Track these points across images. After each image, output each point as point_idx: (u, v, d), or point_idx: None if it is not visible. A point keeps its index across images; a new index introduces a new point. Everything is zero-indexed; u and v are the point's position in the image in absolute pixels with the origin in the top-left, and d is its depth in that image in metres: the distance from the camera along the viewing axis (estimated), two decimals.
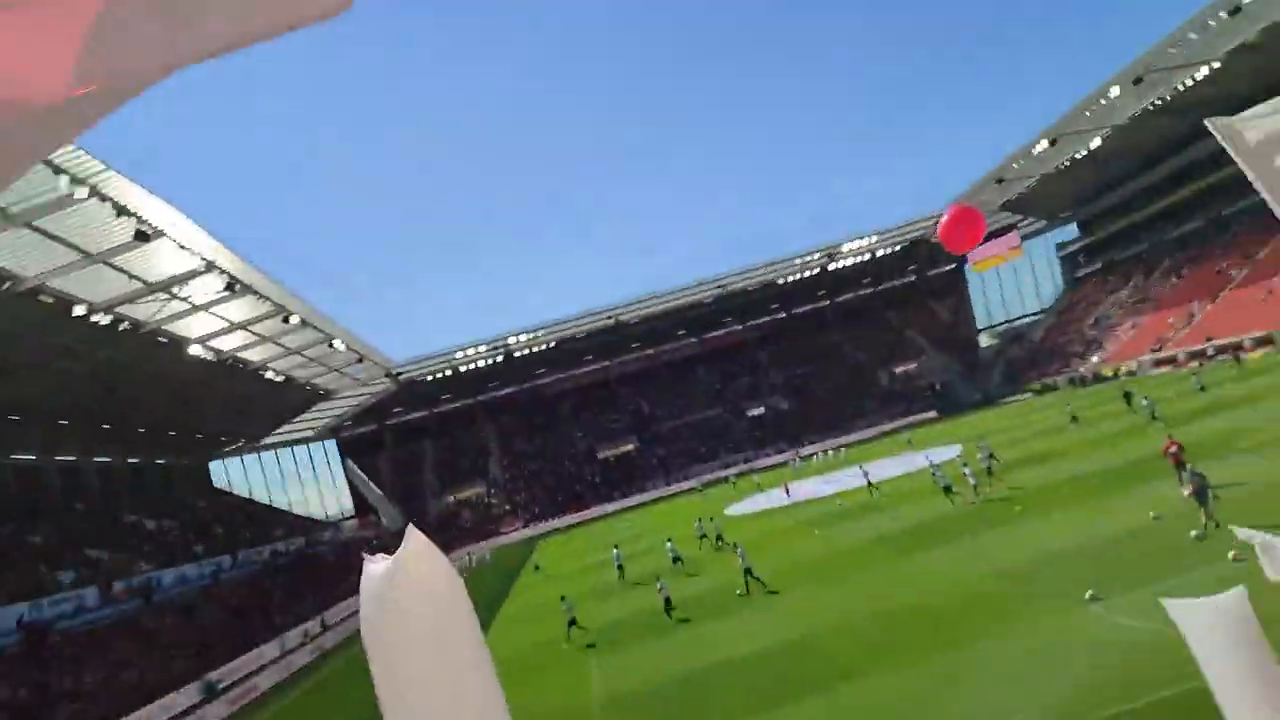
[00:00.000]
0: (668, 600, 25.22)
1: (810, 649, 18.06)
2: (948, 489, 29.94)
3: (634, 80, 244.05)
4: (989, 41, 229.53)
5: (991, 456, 31.92)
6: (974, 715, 12.40)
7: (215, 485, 74.74)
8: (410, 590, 1.78)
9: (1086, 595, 15.79)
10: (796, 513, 39.15)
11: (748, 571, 25.14)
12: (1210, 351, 54.74)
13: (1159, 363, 61.23)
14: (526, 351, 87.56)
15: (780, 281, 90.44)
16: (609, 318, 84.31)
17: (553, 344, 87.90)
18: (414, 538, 1.89)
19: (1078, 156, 68.18)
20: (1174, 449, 22.03)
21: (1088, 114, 59.01)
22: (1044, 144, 62.77)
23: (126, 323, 36.59)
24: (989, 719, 12.10)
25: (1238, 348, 52.74)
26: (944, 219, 7.48)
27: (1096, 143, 65.26)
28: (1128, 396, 40.83)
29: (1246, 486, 20.32)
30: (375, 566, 1.85)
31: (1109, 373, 66.64)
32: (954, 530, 25.48)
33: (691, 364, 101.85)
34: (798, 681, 16.16)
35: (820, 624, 19.69)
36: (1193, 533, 17.48)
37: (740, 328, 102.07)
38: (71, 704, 28.78)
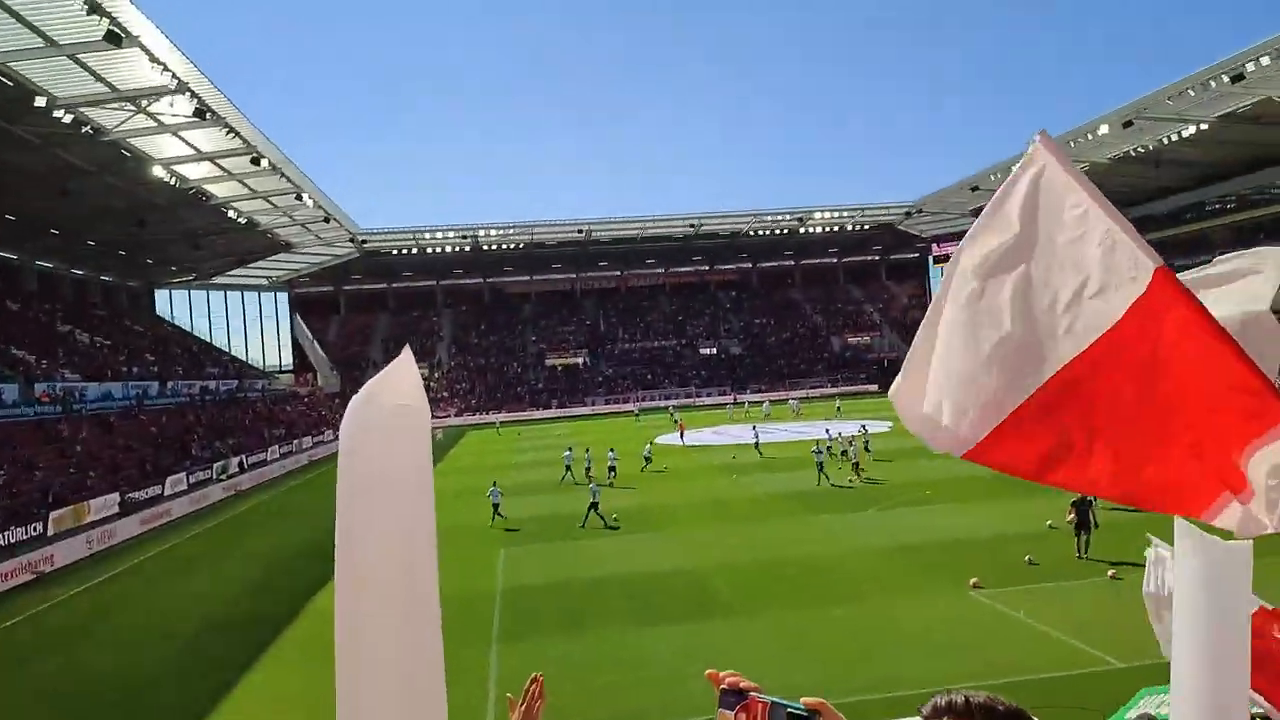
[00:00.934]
0: (595, 505, 26.12)
1: (700, 579, 18.91)
2: (820, 466, 30.38)
3: None
4: (1003, 53, 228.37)
5: (867, 444, 33.63)
6: (838, 663, 13.25)
7: (157, 312, 73.48)
8: (390, 403, 1.76)
9: (971, 581, 16.76)
10: (716, 454, 40.14)
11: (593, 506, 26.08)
12: None
13: None
14: (495, 247, 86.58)
15: (751, 233, 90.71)
16: (580, 230, 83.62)
17: (522, 245, 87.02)
18: (406, 356, 1.83)
19: None
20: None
21: (1072, 144, 59.92)
22: None
23: (89, 127, 35.27)
24: (846, 668, 12.96)
25: None
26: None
27: None
28: None
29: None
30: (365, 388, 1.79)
31: None
32: (863, 500, 26.51)
33: (654, 293, 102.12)
34: (681, 606, 16.98)
35: (714, 559, 20.59)
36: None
37: (707, 268, 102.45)
38: None
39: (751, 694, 1.36)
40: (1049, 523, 21.21)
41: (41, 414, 37.83)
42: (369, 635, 1.69)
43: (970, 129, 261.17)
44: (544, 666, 14.14)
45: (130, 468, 37.85)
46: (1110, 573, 16.72)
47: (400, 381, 1.79)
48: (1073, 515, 18.42)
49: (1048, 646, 13.42)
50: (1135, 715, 9.51)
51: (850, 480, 30.17)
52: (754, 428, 44.20)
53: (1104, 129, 55.18)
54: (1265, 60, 43.26)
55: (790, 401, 67.84)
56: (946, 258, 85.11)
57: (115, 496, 33.21)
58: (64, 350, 46.95)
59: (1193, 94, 49.23)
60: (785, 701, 1.34)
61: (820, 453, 31.03)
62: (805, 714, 1.30)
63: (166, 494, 36.89)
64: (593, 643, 15.20)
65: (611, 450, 36.09)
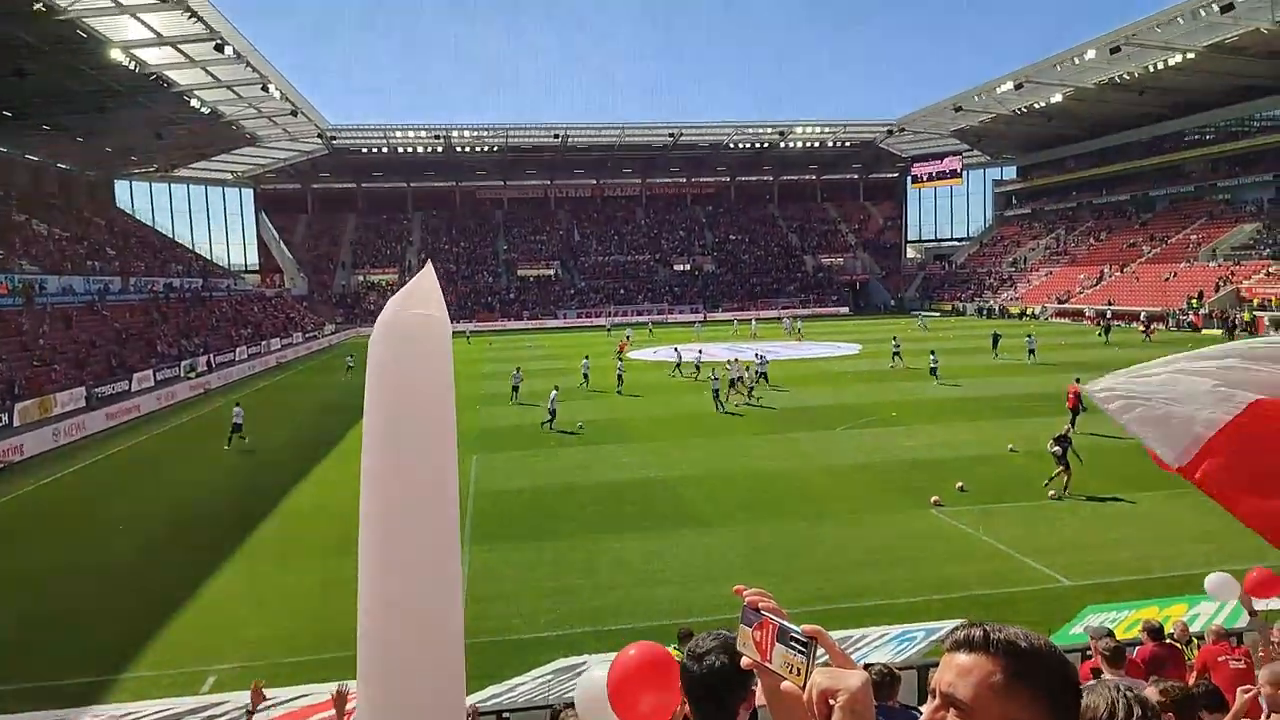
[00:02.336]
0: (554, 413, 26.93)
1: (671, 489, 19.28)
2: (715, 393, 29.96)
3: None
4: None
5: (762, 371, 33.67)
6: (803, 574, 13.70)
7: (117, 205, 71.27)
8: (414, 312, 1.86)
9: (932, 499, 17.25)
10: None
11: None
12: (1109, 314, 57.46)
13: (1061, 313, 64.18)
14: (468, 149, 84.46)
15: (731, 146, 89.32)
16: (556, 135, 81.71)
17: (496, 148, 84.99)
18: (428, 270, 1.91)
19: (1037, 106, 69.09)
20: (1074, 393, 23.32)
21: (1057, 68, 59.38)
22: (1009, 85, 63.48)
23: (41, 3, 33.44)
24: (810, 579, 13.41)
25: (1134, 316, 55.67)
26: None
27: (1058, 98, 66.15)
28: (995, 339, 41.60)
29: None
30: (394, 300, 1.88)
31: (1015, 310, 69.55)
32: (832, 419, 26.97)
33: (631, 204, 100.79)
34: (650, 514, 17.35)
35: (685, 471, 20.94)
36: (1050, 493, 17.69)
37: (685, 181, 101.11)
38: None
39: (765, 614, 1.41)
40: (1010, 446, 21.75)
41: (1, 306, 36.98)
42: (394, 535, 1.77)
43: (956, 49, 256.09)
44: (512, 569, 14.53)
45: (95, 363, 37.33)
46: (1050, 493, 17.36)
47: (424, 294, 1.89)
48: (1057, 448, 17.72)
49: (1002, 563, 13.94)
50: (1081, 629, 10.00)
51: (737, 406, 29.89)
52: (677, 349, 42.60)
53: (1090, 54, 54.60)
54: None
55: (785, 321, 64.52)
56: (924, 178, 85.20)
57: (81, 390, 32.87)
58: (21, 241, 45.60)
59: (1181, 22, 48.79)
60: (791, 626, 1.38)
61: (716, 379, 30.39)
62: (804, 640, 1.35)
63: (134, 390, 36.54)
64: (562, 547, 15.52)
65: (585, 358, 37.32)
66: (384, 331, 1.85)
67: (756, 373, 33.28)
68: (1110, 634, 6.14)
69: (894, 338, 41.29)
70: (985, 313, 71.80)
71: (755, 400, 31.13)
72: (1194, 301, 53.78)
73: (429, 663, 1.74)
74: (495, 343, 62.39)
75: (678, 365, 39.58)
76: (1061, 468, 17.52)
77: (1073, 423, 22.15)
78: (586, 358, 37.00)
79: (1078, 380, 23.84)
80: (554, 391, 27.89)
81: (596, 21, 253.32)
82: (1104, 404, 3.33)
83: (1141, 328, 49.71)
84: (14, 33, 35.52)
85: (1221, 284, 54.69)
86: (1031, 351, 38.49)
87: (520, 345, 58.76)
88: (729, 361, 33.89)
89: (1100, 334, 47.69)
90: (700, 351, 41.86)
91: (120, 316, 45.33)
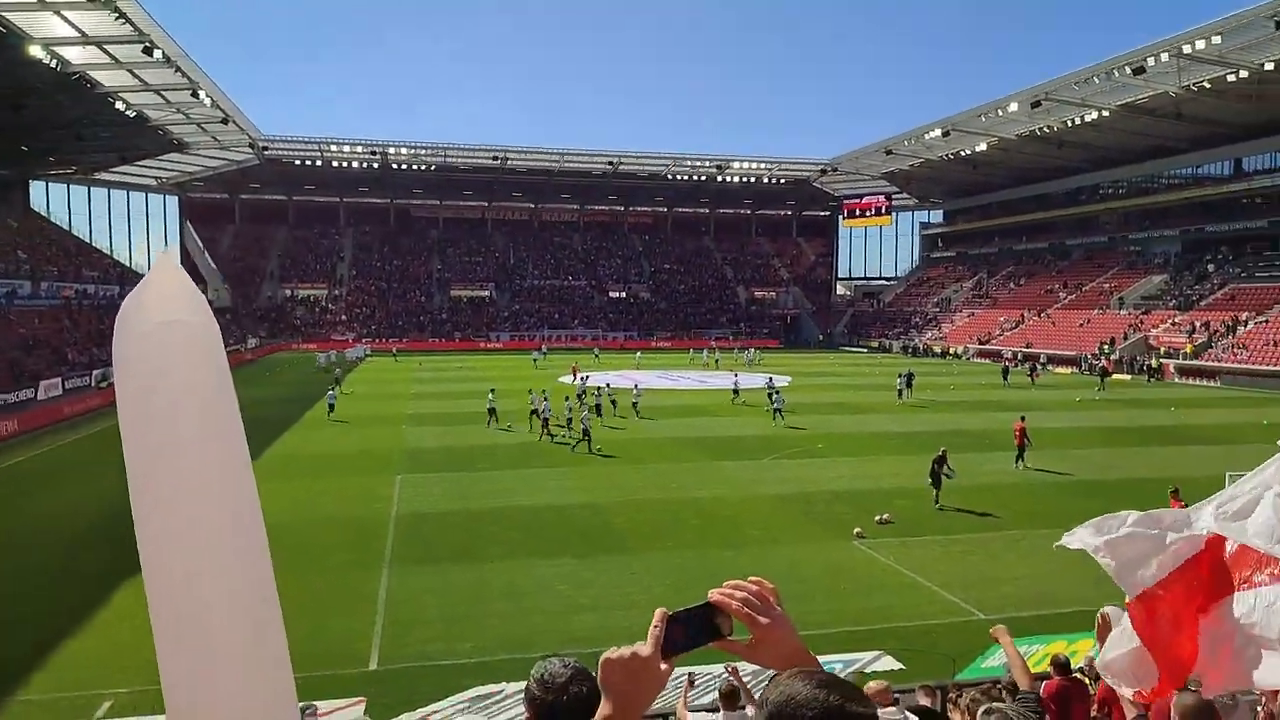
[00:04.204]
0: (546, 421, 28.69)
1: (601, 515, 19.18)
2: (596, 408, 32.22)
3: None
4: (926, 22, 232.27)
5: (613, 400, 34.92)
6: None
7: (31, 206, 68.18)
8: (158, 319, 1.46)
9: (855, 531, 17.54)
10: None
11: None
12: (1021, 357, 59.80)
13: (982, 353, 66.32)
14: (405, 166, 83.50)
15: (669, 177, 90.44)
16: (495, 156, 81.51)
17: (433, 166, 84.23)
18: (164, 261, 1.51)
19: (963, 153, 72.18)
20: (1020, 430, 24.16)
21: (983, 119, 62.26)
22: (937, 132, 66.35)
23: None
24: None
25: (1052, 359, 58.11)
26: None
27: (982, 147, 69.22)
28: (908, 378, 42.17)
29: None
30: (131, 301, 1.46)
31: (939, 349, 71.66)
32: (758, 449, 27.26)
33: (568, 230, 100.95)
34: (577, 540, 17.23)
35: (613, 497, 20.88)
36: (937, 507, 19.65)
37: (623, 209, 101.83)
38: None
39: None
40: (929, 479, 22.24)
41: None
42: (177, 570, 1.46)
43: (889, 94, 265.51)
44: (435, 592, 14.22)
45: None
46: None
47: (167, 293, 1.47)
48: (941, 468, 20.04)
49: (920, 595, 14.23)
50: (994, 663, 10.25)
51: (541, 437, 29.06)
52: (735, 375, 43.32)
53: (1014, 106, 57.13)
54: (1164, 57, 45.44)
55: (747, 353, 64.46)
56: (854, 215, 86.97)
57: None
58: None
59: (1097, 81, 51.42)
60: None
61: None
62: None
63: (40, 398, 34.85)
64: (486, 571, 15.27)
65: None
66: (131, 353, 1.46)
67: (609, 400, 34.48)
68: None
69: (901, 373, 41.04)
70: (910, 350, 73.73)
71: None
72: (1105, 347, 56.20)
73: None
74: (424, 363, 61.42)
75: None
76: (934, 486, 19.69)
77: (1020, 457, 23.78)
78: (492, 390, 33.69)
79: (1022, 418, 24.84)
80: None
81: (534, 48, 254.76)
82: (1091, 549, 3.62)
83: (1027, 370, 51.61)
84: None
85: (1131, 331, 57.42)
86: (900, 391, 39.22)
87: (450, 367, 57.97)
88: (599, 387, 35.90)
89: (1001, 375, 48.12)
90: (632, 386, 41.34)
91: (28, 322, 43.28)
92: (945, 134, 65.72)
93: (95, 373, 40.91)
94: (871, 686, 5.99)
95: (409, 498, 20.86)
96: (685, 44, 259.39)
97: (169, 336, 1.44)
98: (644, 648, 1.38)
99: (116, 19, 37.06)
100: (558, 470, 24.13)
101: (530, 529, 18.07)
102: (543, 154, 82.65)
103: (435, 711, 9.67)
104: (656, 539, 17.39)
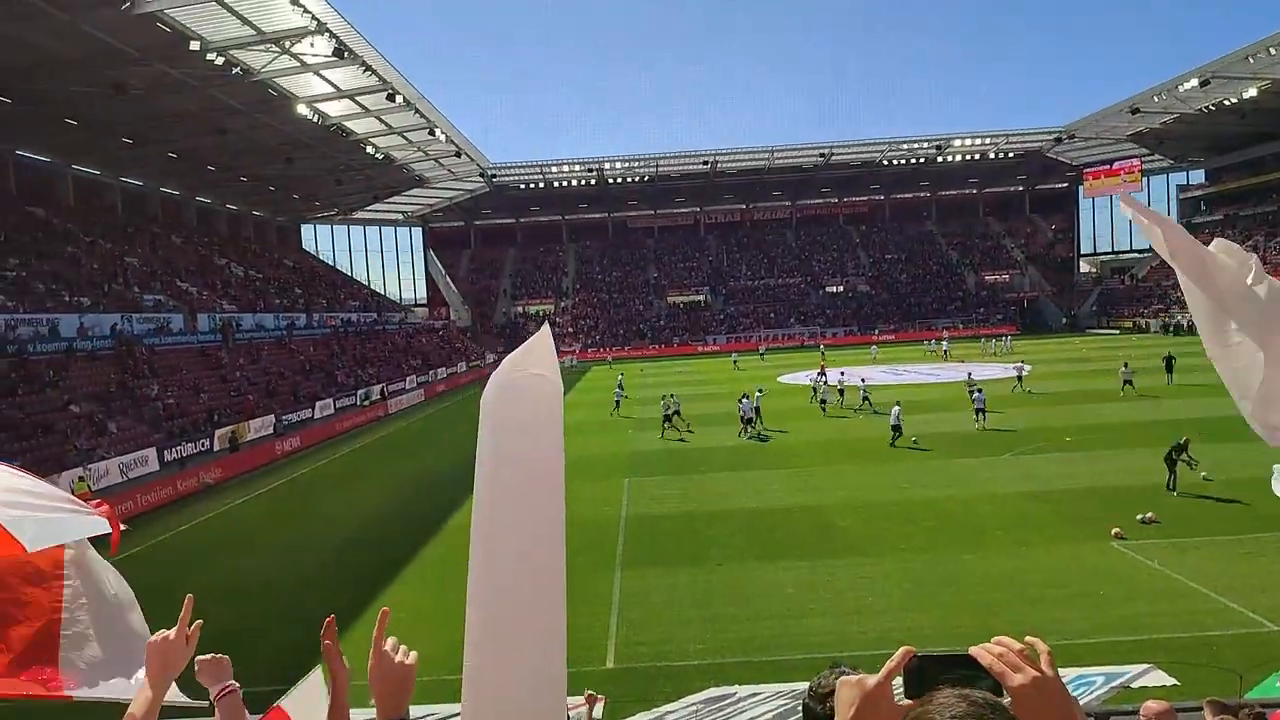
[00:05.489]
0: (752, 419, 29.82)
1: (824, 517, 18.73)
2: (823, 402, 34.64)
3: None
4: None
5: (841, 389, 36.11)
6: (961, 609, 12.93)
7: (303, 246, 77.63)
8: (528, 372, 1.88)
9: (1113, 531, 15.94)
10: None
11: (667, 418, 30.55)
12: None
13: None
14: (619, 180, 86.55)
15: (884, 163, 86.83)
16: (705, 161, 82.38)
17: (647, 177, 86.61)
18: (544, 332, 1.92)
19: (1226, 103, 62.72)
20: None
21: (1250, 60, 53.72)
22: (1194, 83, 58.03)
23: (239, 68, 37.12)
24: (969, 614, 12.61)
25: None
26: None
27: (1251, 92, 59.66)
28: (1169, 362, 37.08)
29: None
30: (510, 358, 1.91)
31: None
32: (995, 446, 25.50)
33: (780, 227, 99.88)
34: (803, 542, 16.91)
35: (839, 498, 20.32)
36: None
37: (836, 201, 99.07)
38: (155, 405, 31.52)
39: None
40: (1204, 474, 19.76)
41: (204, 342, 40.92)
42: (500, 598, 1.80)
43: (1126, 50, 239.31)
44: (663, 594, 14.49)
45: (283, 392, 40.60)
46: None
47: (539, 354, 1.92)
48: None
49: (1197, 603, 12.64)
50: None
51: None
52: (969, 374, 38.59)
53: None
54: None
55: (933, 343, 62.16)
56: (1098, 184, 78.43)
57: (271, 418, 35.77)
58: (221, 282, 50.41)
59: None
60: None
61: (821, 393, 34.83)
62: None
63: (316, 416, 39.46)
64: (713, 573, 15.37)
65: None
66: (498, 392, 1.88)
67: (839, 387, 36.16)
68: None
69: (1124, 363, 36.08)
70: (1171, 329, 66.09)
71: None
72: None
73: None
74: (646, 369, 63.07)
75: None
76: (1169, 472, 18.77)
77: None
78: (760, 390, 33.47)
79: None
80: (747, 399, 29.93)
81: (742, 48, 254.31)
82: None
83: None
84: (215, 94, 39.60)
85: None
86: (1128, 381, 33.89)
87: (670, 372, 59.11)
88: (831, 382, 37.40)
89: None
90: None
91: (305, 349, 49.18)
92: (1204, 83, 57.91)
93: (360, 392, 45.69)
94: (1151, 707, 5.22)
95: (638, 500, 21.46)
96: (875, 24, 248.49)
97: (536, 385, 1.89)
98: (873, 678, 1.32)
99: (364, 72, 41.30)
100: (778, 472, 23.87)
101: (754, 531, 17.99)
102: (753, 153, 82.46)
103: (670, 712, 9.81)
104: (887, 541, 16.71)
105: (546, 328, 1.97)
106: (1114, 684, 9.02)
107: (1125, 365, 35.05)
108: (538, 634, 1.79)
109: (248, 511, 24.26)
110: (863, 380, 36.61)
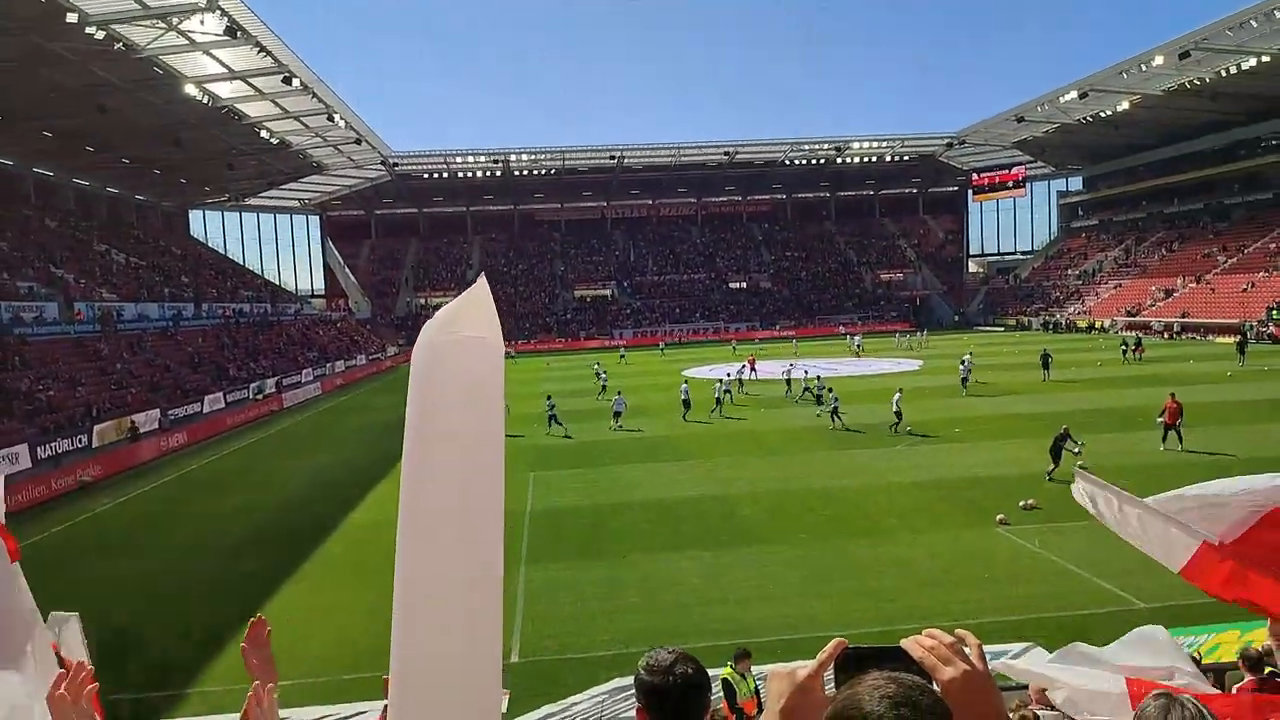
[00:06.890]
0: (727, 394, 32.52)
1: (728, 507, 19.09)
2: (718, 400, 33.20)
3: None
4: None
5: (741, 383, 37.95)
6: (860, 595, 13.41)
7: (191, 233, 74.06)
8: (463, 334, 1.68)
9: (998, 517, 16.76)
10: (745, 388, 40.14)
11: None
12: (1177, 327, 55.67)
13: (1131, 326, 61.98)
14: (525, 172, 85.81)
15: (786, 163, 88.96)
16: (612, 156, 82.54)
17: (552, 170, 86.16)
18: (481, 285, 1.72)
19: (1103, 115, 67.11)
20: (1172, 408, 22.32)
21: (1124, 75, 57.71)
22: (1073, 94, 62.03)
23: (121, 44, 35.12)
24: (867, 600, 13.10)
25: (1210, 329, 53.72)
26: None
27: (1124, 106, 64.11)
28: (1045, 359, 38.47)
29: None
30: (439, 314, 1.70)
31: (1083, 324, 67.59)
32: (889, 438, 26.47)
33: (686, 224, 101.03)
34: (707, 532, 17.19)
35: (742, 489, 20.72)
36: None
37: (740, 199, 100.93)
38: (27, 406, 29.57)
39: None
40: (1079, 463, 20.98)
41: (81, 333, 38.62)
42: (432, 567, 1.63)
43: (1016, 59, 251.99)
44: (570, 587, 14.50)
45: (168, 386, 38.68)
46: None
47: (475, 312, 1.70)
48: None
49: (1072, 583, 13.45)
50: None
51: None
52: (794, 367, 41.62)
53: (1159, 60, 53.13)
54: None
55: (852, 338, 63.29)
56: (985, 189, 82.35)
57: (156, 413, 34.06)
58: (101, 270, 47.63)
59: (1255, 25, 47.18)
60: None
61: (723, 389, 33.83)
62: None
63: (204, 411, 37.76)
64: (617, 565, 15.47)
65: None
66: (429, 355, 1.67)
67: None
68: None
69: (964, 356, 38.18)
70: (1051, 327, 69.89)
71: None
72: (1275, 312, 51.53)
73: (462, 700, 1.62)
74: (551, 363, 62.83)
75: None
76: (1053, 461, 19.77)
77: (1166, 437, 22.31)
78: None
79: (1173, 395, 22.93)
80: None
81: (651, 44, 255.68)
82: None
83: (1132, 345, 44.46)
84: (95, 70, 37.33)
85: None
86: (964, 381, 35.25)
87: (577, 365, 59.04)
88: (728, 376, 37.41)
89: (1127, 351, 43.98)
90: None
91: (193, 341, 46.96)
92: (1083, 95, 61.55)
93: (253, 386, 43.95)
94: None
95: (542, 493, 21.37)
96: (773, 27, 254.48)
97: (474, 349, 1.68)
98: (805, 669, 1.34)
99: (258, 53, 39.67)
100: (683, 464, 24.19)
101: (660, 522, 18.18)
102: (659, 149, 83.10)
103: (576, 704, 9.87)
104: (787, 530, 17.15)
105: (483, 280, 1.75)
106: (997, 663, 9.51)
107: (964, 360, 35.98)
108: (474, 625, 1.62)
109: (130, 511, 23.03)
110: (809, 372, 38.33)
